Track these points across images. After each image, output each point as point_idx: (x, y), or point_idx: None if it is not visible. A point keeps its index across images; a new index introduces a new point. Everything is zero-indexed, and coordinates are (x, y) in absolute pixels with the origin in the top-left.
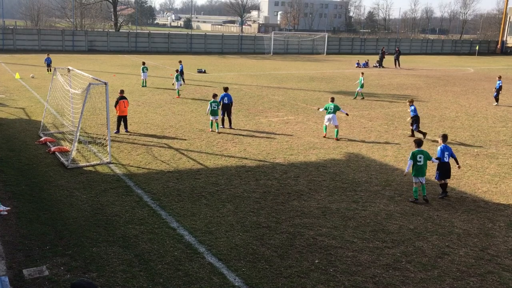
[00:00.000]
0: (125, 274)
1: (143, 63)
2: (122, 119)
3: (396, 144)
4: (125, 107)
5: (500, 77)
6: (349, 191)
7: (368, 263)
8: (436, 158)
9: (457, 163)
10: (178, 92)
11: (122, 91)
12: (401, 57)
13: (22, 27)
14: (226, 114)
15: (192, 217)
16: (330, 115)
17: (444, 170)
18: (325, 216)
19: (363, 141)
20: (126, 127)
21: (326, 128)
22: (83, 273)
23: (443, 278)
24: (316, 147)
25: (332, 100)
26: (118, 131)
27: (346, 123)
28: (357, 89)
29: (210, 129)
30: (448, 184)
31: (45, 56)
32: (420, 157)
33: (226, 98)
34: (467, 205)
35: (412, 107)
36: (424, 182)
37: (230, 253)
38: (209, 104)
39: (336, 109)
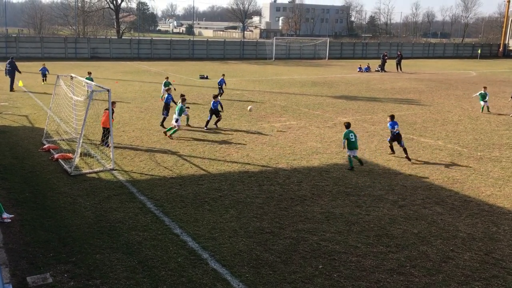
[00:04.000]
0: (129, 281)
1: (89, 73)
2: (103, 130)
3: (399, 148)
4: (105, 118)
5: None
6: (352, 195)
7: (372, 268)
8: (391, 131)
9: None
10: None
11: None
12: (403, 61)
13: (25, 35)
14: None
15: (195, 223)
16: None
17: (394, 138)
18: (328, 221)
19: (366, 146)
20: (102, 139)
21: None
22: (87, 280)
23: (448, 283)
24: (319, 152)
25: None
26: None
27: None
28: (482, 103)
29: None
30: (452, 188)
31: (48, 64)
32: (351, 135)
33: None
34: (471, 209)
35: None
36: (356, 154)
37: (234, 259)
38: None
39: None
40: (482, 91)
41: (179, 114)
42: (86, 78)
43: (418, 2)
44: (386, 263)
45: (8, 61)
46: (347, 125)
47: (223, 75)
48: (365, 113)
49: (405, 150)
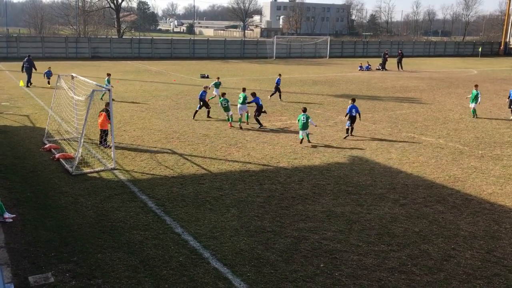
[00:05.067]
0: (130, 280)
1: (108, 75)
2: (101, 132)
3: (400, 147)
4: (103, 120)
5: None
6: (353, 194)
7: (373, 267)
8: (346, 115)
9: (360, 117)
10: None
11: (106, 104)
12: (404, 60)
13: (25, 35)
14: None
15: (196, 222)
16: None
17: (351, 120)
18: (329, 220)
19: (367, 144)
20: (100, 141)
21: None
22: (89, 279)
23: (450, 281)
24: (319, 150)
25: (244, 90)
26: (100, 143)
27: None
28: (472, 105)
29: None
30: (453, 186)
31: (49, 63)
32: (303, 118)
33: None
34: (473, 207)
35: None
36: (307, 133)
37: (235, 258)
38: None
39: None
40: (474, 90)
41: (242, 103)
42: (107, 80)
43: (419, 1)
44: (388, 261)
45: (26, 58)
46: (304, 110)
47: (280, 74)
48: (366, 111)
49: (352, 129)
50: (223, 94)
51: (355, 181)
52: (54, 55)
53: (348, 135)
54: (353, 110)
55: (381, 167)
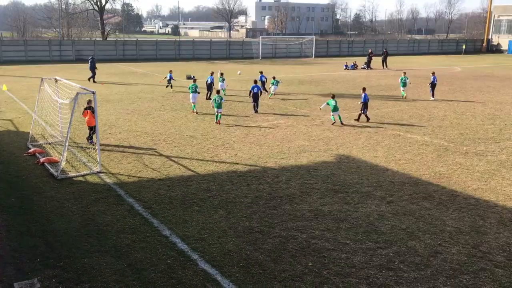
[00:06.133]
0: (118, 284)
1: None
2: (89, 129)
3: (386, 144)
4: (90, 117)
5: (433, 73)
6: (340, 193)
7: (361, 264)
8: (361, 102)
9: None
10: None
11: (87, 101)
12: (389, 58)
13: (8, 38)
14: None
15: (184, 224)
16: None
17: (364, 106)
18: (317, 219)
19: (354, 143)
20: (88, 137)
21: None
22: (75, 284)
23: (436, 277)
24: (307, 150)
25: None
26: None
27: (336, 125)
28: (401, 88)
29: (216, 121)
30: (439, 183)
31: (33, 67)
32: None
33: (255, 88)
34: (458, 203)
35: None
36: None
37: (223, 259)
38: (213, 99)
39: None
40: (402, 76)
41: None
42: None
43: None
44: (375, 259)
45: (90, 58)
46: (333, 96)
47: (261, 72)
48: (352, 110)
49: (366, 116)
50: (218, 92)
51: (342, 179)
52: (38, 58)
53: (358, 120)
54: (366, 98)
55: (368, 165)
